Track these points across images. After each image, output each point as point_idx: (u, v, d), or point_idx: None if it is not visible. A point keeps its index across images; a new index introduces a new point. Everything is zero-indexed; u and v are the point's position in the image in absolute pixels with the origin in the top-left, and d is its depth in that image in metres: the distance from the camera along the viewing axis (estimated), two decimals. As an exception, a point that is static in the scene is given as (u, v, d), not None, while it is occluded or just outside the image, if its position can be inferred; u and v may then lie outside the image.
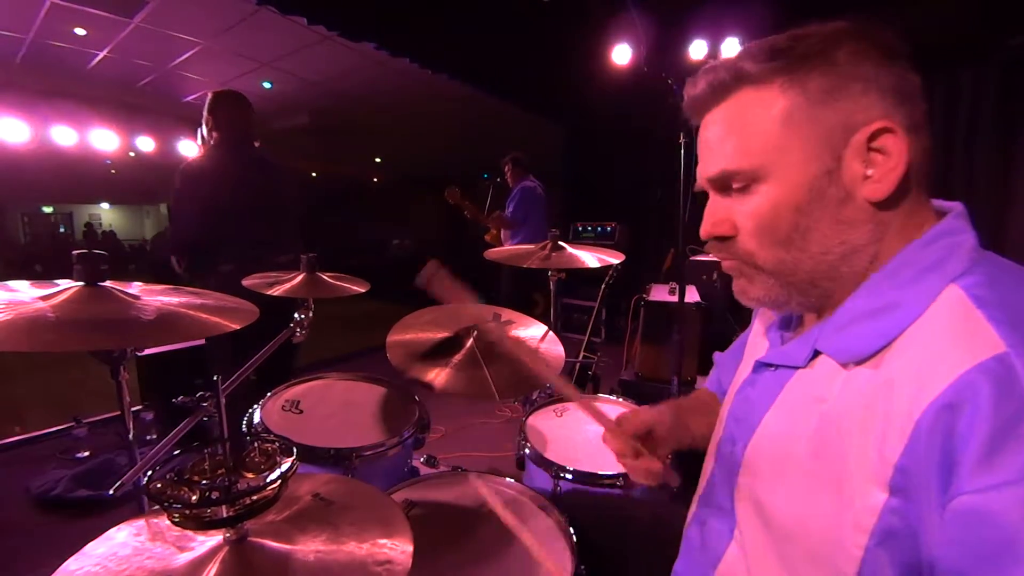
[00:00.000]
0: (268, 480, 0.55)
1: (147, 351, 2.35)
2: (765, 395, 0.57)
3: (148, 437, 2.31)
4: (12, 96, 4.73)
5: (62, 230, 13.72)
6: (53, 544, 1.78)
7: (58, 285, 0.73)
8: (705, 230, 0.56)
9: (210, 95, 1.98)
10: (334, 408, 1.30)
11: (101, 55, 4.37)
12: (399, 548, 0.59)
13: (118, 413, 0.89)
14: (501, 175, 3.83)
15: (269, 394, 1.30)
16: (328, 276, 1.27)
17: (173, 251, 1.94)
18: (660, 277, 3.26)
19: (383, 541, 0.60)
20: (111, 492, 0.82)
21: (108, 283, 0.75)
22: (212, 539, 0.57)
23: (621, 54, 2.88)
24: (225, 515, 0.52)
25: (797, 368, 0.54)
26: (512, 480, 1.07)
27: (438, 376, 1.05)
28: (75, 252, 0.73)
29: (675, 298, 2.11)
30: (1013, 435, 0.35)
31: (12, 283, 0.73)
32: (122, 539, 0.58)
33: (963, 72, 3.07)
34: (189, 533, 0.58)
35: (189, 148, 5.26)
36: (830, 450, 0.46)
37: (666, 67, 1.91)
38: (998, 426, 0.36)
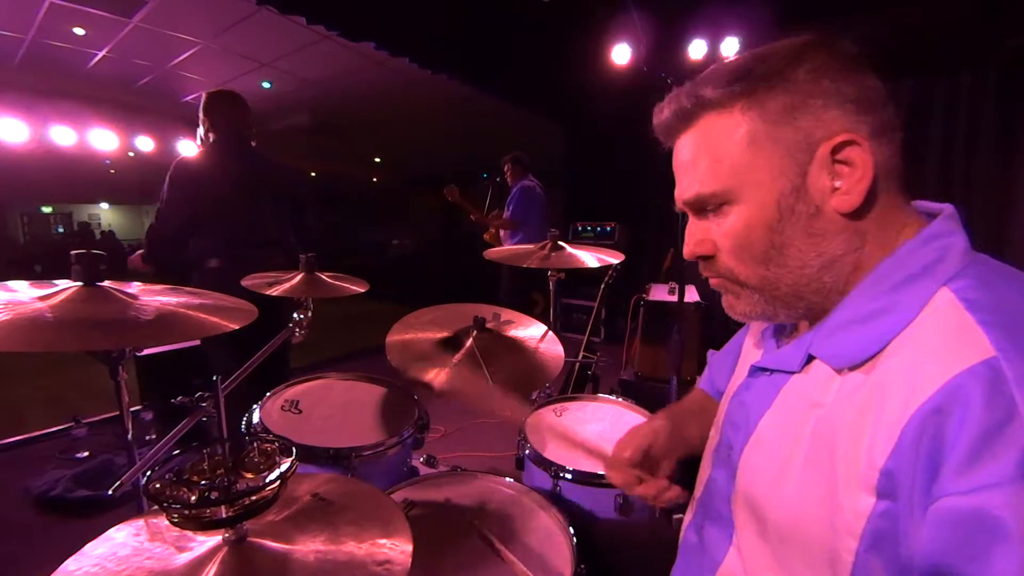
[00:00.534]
0: (267, 480, 0.55)
1: (146, 351, 2.35)
2: (761, 400, 0.57)
3: (147, 437, 2.31)
4: (11, 96, 4.74)
5: (60, 230, 13.71)
6: (52, 544, 1.79)
7: (56, 285, 0.73)
8: (688, 250, 0.57)
9: (204, 96, 1.96)
10: (333, 408, 1.30)
11: (100, 55, 4.38)
12: (398, 548, 0.59)
13: (117, 413, 0.89)
14: (501, 175, 3.82)
15: (268, 394, 1.30)
16: (327, 276, 1.27)
17: (148, 238, 1.91)
18: (660, 277, 3.26)
19: (382, 541, 0.60)
20: (110, 492, 0.82)
21: (107, 283, 0.75)
22: (211, 539, 0.57)
23: (621, 54, 2.89)
24: (224, 515, 0.52)
25: (792, 373, 0.54)
26: (512, 480, 1.07)
27: (438, 376, 1.05)
28: (73, 252, 0.73)
29: (675, 298, 2.11)
30: (999, 439, 0.35)
31: (11, 283, 0.73)
32: (121, 539, 0.58)
33: (963, 72, 3.07)
34: (188, 533, 0.58)
35: (188, 148, 5.25)
36: (824, 454, 0.46)
37: (666, 67, 1.91)
38: (984, 430, 0.36)
